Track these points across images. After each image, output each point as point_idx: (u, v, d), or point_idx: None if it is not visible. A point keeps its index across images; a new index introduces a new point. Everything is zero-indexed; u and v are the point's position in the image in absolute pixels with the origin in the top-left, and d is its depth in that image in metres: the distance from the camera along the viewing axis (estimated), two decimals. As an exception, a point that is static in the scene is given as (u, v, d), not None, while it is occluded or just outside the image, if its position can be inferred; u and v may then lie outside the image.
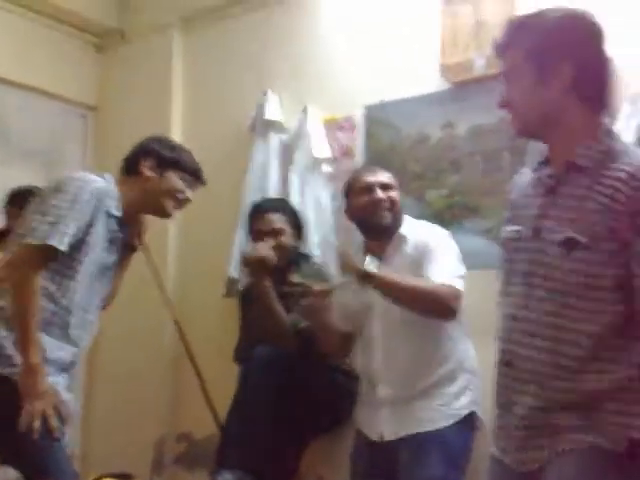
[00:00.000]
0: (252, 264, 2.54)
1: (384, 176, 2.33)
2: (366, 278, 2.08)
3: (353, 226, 2.79)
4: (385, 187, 2.30)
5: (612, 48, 1.45)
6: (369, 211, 2.28)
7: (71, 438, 2.20)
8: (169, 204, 2.13)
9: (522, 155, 2.43)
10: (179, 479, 3.15)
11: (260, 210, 2.69)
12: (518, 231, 1.48)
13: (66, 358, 2.01)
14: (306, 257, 2.73)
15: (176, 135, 3.32)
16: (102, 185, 2.03)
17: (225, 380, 2.81)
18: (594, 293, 1.35)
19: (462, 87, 2.58)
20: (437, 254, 2.18)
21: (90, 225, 1.98)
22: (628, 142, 1.80)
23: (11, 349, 1.90)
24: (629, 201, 1.31)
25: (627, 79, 1.65)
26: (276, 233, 2.60)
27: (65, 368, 2.02)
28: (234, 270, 2.96)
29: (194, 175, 2.18)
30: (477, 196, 2.53)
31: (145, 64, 3.46)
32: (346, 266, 2.16)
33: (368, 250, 2.30)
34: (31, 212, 1.96)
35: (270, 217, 2.62)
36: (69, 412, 2.00)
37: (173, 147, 2.19)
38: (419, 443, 2.14)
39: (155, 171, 2.11)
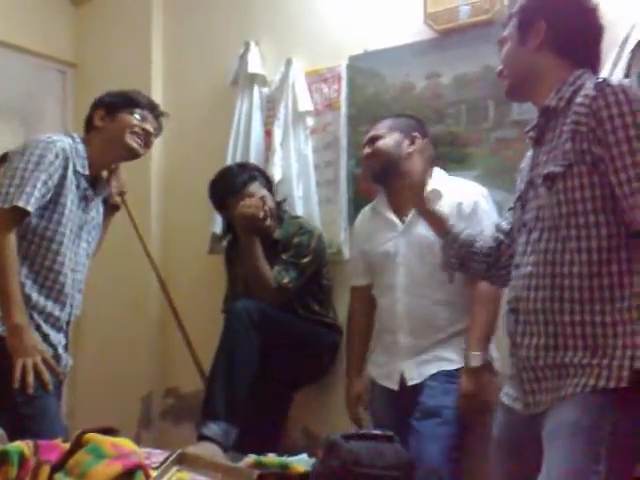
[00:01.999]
0: (243, 220, 2.54)
1: (378, 127, 2.35)
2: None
3: (335, 180, 2.79)
4: (373, 140, 2.33)
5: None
6: None
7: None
8: (131, 140, 2.15)
9: (507, 104, 2.42)
10: (166, 433, 3.18)
11: (235, 192, 2.59)
12: (519, 191, 1.54)
13: (63, 318, 2.08)
14: (286, 212, 2.73)
15: (157, 90, 3.27)
16: (68, 144, 2.06)
17: (211, 336, 2.81)
18: (580, 219, 1.36)
19: (447, 36, 2.56)
20: (481, 224, 2.10)
21: (60, 185, 2.01)
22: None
23: None
24: (588, 119, 1.35)
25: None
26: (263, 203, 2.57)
27: (61, 327, 2.08)
28: (218, 227, 2.95)
29: (146, 107, 2.20)
30: (462, 146, 2.52)
31: (124, 17, 3.38)
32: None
33: (391, 202, 2.32)
34: (1, 177, 1.99)
35: (251, 194, 2.57)
36: (61, 368, 2.06)
37: (120, 93, 2.22)
38: (444, 380, 2.17)
39: (107, 119, 2.15)
